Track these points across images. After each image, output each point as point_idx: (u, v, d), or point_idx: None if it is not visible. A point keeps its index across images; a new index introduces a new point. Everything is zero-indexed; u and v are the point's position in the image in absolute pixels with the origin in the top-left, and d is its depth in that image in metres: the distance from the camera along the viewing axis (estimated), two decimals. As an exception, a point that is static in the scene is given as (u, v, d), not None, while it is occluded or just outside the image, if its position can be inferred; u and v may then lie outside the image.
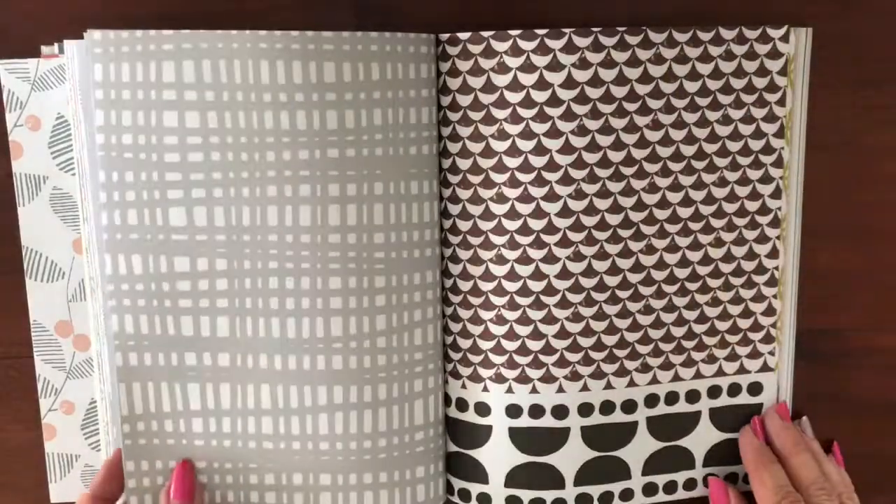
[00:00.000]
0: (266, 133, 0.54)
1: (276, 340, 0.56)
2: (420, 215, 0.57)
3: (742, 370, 0.60)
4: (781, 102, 0.57)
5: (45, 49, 0.58)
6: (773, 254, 0.59)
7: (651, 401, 0.60)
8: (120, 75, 0.54)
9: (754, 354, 0.60)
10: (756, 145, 0.58)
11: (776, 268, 0.60)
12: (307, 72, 0.53)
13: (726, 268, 0.59)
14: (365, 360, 0.56)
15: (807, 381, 0.61)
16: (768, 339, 0.60)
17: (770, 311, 0.60)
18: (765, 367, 0.60)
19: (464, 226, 0.57)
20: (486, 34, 0.55)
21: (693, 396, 0.60)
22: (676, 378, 0.60)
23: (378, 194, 0.55)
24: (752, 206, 0.58)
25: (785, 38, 0.57)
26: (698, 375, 0.60)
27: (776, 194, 0.59)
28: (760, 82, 0.57)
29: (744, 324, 0.60)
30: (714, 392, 0.60)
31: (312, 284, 0.55)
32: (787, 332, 0.61)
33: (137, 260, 0.55)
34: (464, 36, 0.55)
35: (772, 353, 0.60)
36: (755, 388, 0.61)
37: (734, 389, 0.60)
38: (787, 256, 0.60)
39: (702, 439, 0.61)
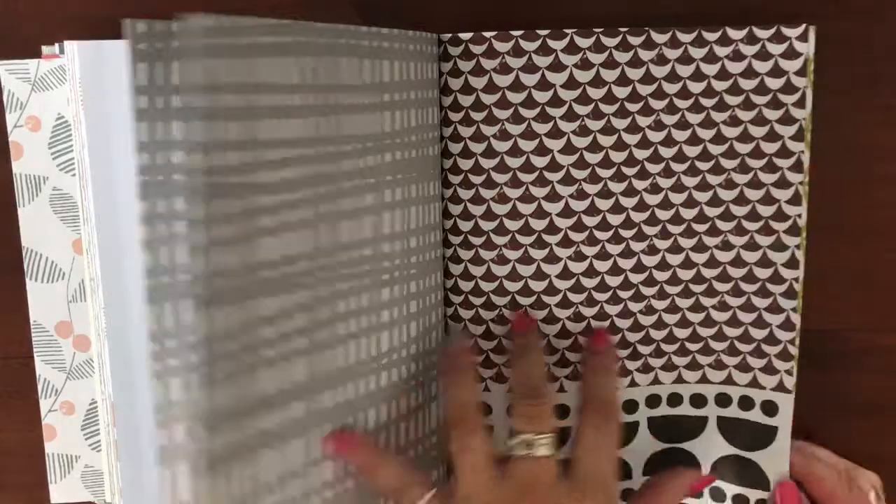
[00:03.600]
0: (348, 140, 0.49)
1: (340, 371, 0.51)
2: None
3: (755, 384, 0.58)
4: (800, 104, 0.55)
5: (45, 49, 0.58)
6: (792, 264, 0.57)
7: (652, 402, 0.59)
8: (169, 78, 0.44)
9: (769, 370, 0.58)
10: (770, 148, 0.56)
11: (795, 279, 0.57)
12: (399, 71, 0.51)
13: (735, 273, 0.57)
14: (401, 373, 0.55)
15: (806, 381, 0.61)
16: (786, 355, 0.58)
17: (788, 326, 0.57)
18: (781, 387, 0.58)
19: (465, 226, 0.57)
20: (488, 34, 0.55)
21: (699, 401, 0.59)
22: (680, 380, 0.59)
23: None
24: (766, 210, 0.56)
25: (803, 38, 0.55)
26: (704, 380, 0.59)
27: (795, 200, 0.56)
28: (775, 83, 0.55)
29: (757, 334, 0.58)
30: (723, 401, 0.59)
31: (370, 301, 0.52)
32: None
33: (186, 306, 0.43)
34: (465, 36, 0.55)
35: (789, 373, 0.58)
36: (770, 408, 0.58)
37: (746, 403, 0.59)
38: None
39: (709, 446, 0.59)
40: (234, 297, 0.43)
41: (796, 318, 0.57)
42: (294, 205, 0.46)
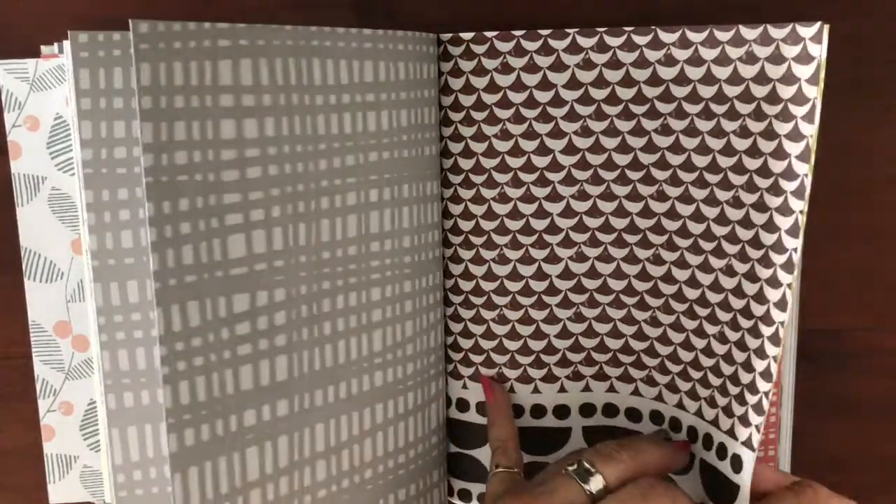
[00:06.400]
0: (322, 139, 0.49)
1: (328, 370, 0.51)
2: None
3: (732, 433, 0.51)
4: (809, 118, 0.46)
5: (44, 49, 0.58)
6: (782, 305, 0.48)
7: (656, 418, 0.57)
8: (172, 78, 0.43)
9: (745, 421, 0.50)
10: (777, 167, 0.48)
11: (782, 323, 0.48)
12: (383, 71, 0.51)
13: (736, 303, 0.51)
14: (397, 372, 0.55)
15: (807, 381, 0.61)
16: (759, 409, 0.49)
17: (767, 375, 0.48)
18: (748, 442, 0.49)
19: (466, 226, 0.57)
20: (489, 34, 0.55)
21: (693, 435, 0.55)
22: (681, 406, 0.55)
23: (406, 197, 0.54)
24: (769, 239, 0.48)
25: (817, 39, 0.47)
26: (699, 414, 0.54)
27: (793, 231, 0.47)
28: (786, 91, 0.47)
29: (744, 377, 0.50)
30: (707, 442, 0.53)
31: (358, 300, 0.52)
32: (790, 334, 0.57)
33: (194, 308, 0.44)
34: (467, 36, 0.55)
35: (758, 429, 0.49)
36: (736, 463, 0.50)
37: (721, 451, 0.52)
38: (792, 312, 0.53)
39: (691, 488, 0.54)
40: (195, 292, 0.44)
41: (775, 369, 0.48)
42: (264, 203, 0.46)
